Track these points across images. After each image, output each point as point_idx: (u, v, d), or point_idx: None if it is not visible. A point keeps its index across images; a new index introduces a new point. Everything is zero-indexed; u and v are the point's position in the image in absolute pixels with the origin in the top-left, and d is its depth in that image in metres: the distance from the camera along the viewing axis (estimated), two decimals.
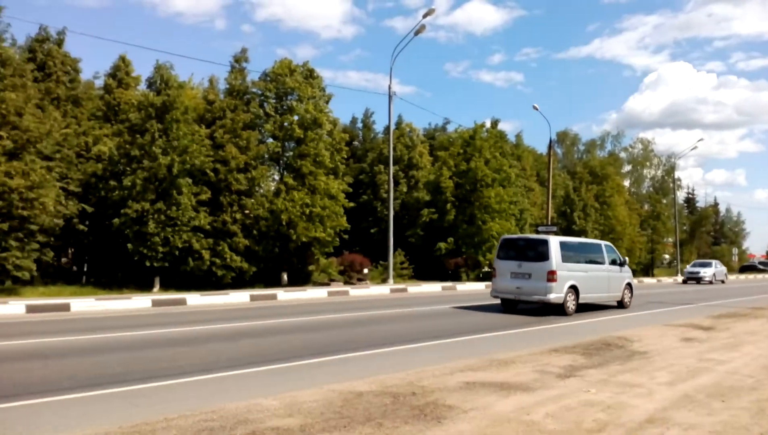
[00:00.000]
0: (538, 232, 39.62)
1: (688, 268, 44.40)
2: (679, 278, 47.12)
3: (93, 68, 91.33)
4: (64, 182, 24.71)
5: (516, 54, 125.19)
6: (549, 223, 38.71)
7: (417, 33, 28.73)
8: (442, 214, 35.54)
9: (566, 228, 45.28)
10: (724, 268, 45.38)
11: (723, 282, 42.42)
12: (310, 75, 31.00)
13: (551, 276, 15.62)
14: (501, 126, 44.99)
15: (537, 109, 38.57)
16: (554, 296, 15.69)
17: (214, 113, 28.50)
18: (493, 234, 35.09)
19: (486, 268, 34.93)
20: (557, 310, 16.19)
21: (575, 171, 54.67)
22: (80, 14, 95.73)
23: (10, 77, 22.13)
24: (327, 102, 31.77)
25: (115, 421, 5.50)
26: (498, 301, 17.75)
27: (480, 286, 29.14)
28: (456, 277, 33.89)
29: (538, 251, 16.03)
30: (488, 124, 41.65)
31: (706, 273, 41.40)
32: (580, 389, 6.99)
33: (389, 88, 29.75)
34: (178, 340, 10.96)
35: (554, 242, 16.09)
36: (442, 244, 35.13)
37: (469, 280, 33.61)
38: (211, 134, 27.49)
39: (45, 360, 8.74)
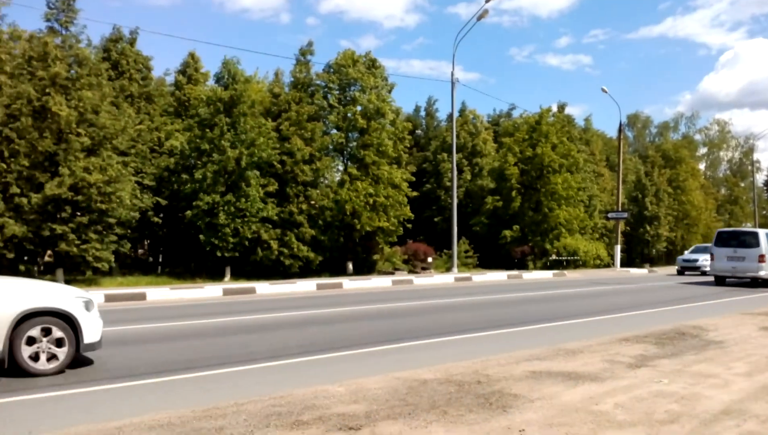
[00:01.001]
0: (608, 219, 38.67)
1: (686, 254, 33.77)
2: None
3: (164, 65, 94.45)
4: (139, 176, 25.76)
5: (584, 36, 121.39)
6: (619, 209, 37.59)
7: (480, 18, 28.33)
8: (507, 202, 35.07)
9: (638, 214, 43.86)
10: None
11: None
12: (372, 65, 31.12)
13: (762, 258, 21.36)
14: (568, 110, 44.07)
15: (606, 92, 37.46)
16: (764, 273, 21.44)
17: (279, 106, 29.03)
18: (561, 221, 34.40)
19: (554, 257, 34.27)
20: (765, 284, 21.66)
21: (647, 155, 52.80)
22: (151, 13, 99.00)
23: (87, 76, 23.15)
24: (390, 91, 31.84)
25: (188, 405, 5.73)
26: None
27: (547, 275, 28.62)
28: (522, 266, 33.41)
29: (749, 240, 21.84)
30: (555, 109, 40.80)
31: (708, 261, 29.68)
32: (652, 379, 6.78)
33: (452, 75, 29.49)
34: (249, 328, 11.27)
35: (762, 233, 22.02)
36: (507, 232, 34.69)
37: (535, 268, 33.05)
38: (277, 127, 28.02)
39: (123, 347, 9.17)
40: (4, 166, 20.97)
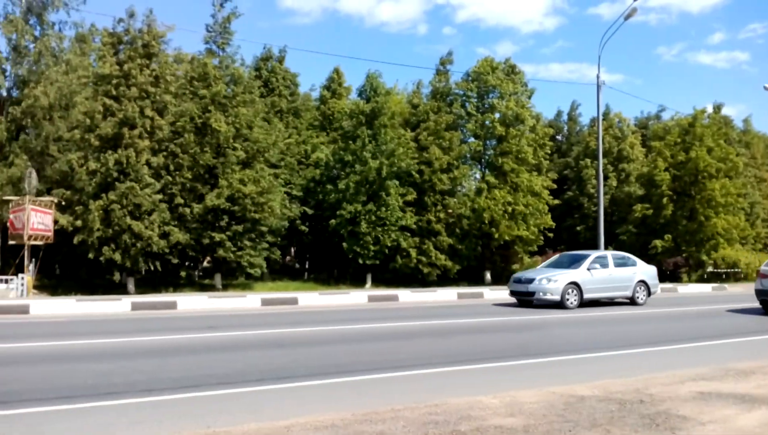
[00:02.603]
0: None
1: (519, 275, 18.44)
2: None
3: (309, 81, 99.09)
4: (288, 187, 27.24)
5: (740, 31, 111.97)
6: None
7: (627, 17, 26.95)
8: (657, 210, 32.99)
9: None
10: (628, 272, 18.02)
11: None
12: (511, 71, 30.73)
13: None
14: (725, 111, 40.74)
15: None
16: None
17: (418, 116, 29.46)
18: (719, 230, 31.81)
19: (710, 269, 31.74)
20: None
21: None
22: (297, 32, 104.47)
23: (242, 94, 24.92)
24: (529, 97, 31.26)
25: (345, 408, 5.95)
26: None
27: (705, 288, 26.55)
28: (675, 278, 31.25)
29: None
30: (710, 110, 37.91)
31: (548, 285, 16.32)
32: None
33: (597, 77, 28.27)
34: (395, 335, 11.48)
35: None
36: (657, 242, 32.63)
37: (690, 281, 30.79)
38: (416, 137, 28.46)
39: (282, 349, 9.70)
40: (170, 178, 23.03)
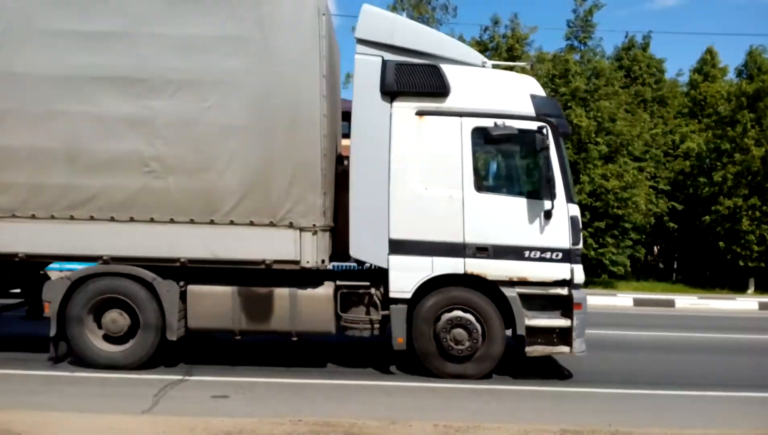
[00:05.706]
0: None
1: None
2: None
3: (676, 66, 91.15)
4: (654, 181, 25.58)
5: None
6: None
7: None
8: None
9: None
10: None
11: None
12: None
13: None
14: None
15: None
16: None
17: None
18: None
19: None
20: None
21: None
22: (659, 16, 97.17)
23: (604, 87, 24.24)
24: None
25: (758, 425, 5.37)
26: None
27: None
28: None
29: None
30: None
31: None
32: None
33: None
34: None
35: None
36: None
37: None
38: None
39: (675, 354, 9.13)
40: None
